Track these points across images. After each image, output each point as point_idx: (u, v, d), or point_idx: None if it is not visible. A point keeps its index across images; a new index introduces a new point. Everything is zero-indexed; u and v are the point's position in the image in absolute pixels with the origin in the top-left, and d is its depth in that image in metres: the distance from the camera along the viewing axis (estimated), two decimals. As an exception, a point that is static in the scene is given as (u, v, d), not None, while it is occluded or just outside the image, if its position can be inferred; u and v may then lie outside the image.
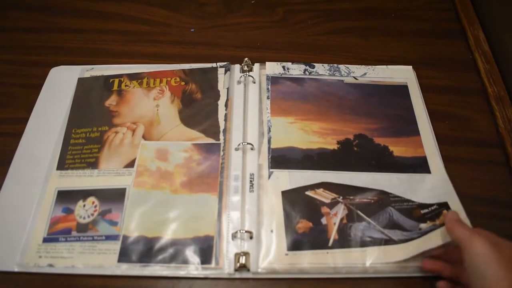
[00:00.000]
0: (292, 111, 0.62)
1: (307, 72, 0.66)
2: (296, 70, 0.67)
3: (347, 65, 0.67)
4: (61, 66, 0.68)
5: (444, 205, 0.52)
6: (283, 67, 0.67)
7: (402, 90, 0.65)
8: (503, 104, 0.63)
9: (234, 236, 0.51)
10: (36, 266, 0.49)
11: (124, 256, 0.50)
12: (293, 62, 0.67)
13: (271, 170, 0.56)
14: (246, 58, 0.67)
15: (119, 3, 0.77)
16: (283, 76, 0.66)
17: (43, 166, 0.57)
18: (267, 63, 0.67)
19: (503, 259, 0.39)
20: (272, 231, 0.51)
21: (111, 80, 0.65)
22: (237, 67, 0.67)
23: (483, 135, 0.61)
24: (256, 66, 0.67)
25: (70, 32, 0.73)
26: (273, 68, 0.66)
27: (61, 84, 0.65)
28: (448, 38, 0.73)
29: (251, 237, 0.51)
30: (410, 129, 0.61)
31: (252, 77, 0.65)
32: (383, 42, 0.72)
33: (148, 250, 0.50)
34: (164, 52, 0.70)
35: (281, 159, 0.57)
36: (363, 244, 0.50)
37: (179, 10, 0.77)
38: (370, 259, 0.49)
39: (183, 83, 0.65)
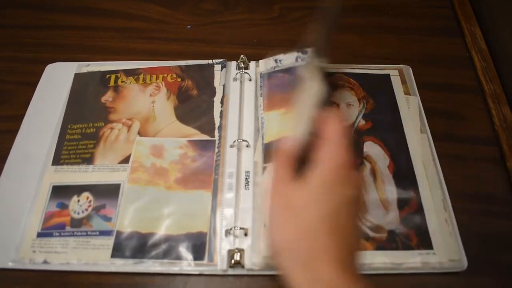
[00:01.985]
0: (284, 102, 0.61)
1: (299, 59, 0.65)
2: (287, 60, 0.65)
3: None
4: (57, 63, 0.67)
5: None
6: (275, 60, 0.65)
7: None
8: (499, 102, 0.63)
9: (227, 232, 0.51)
10: (32, 262, 0.49)
11: (117, 251, 0.50)
12: (285, 52, 0.66)
13: (264, 165, 0.56)
14: (242, 55, 0.66)
15: (116, -1, 0.78)
16: (275, 69, 0.65)
17: (38, 162, 0.57)
18: (260, 61, 0.66)
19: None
20: (265, 225, 0.51)
21: (107, 76, 0.65)
22: (233, 64, 0.67)
23: (479, 132, 0.61)
24: (252, 63, 0.66)
25: (66, 29, 0.73)
26: (265, 64, 0.65)
27: (57, 81, 0.65)
28: (445, 36, 0.72)
29: (245, 234, 0.51)
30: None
31: (248, 74, 0.65)
32: (380, 40, 0.72)
33: (141, 245, 0.50)
34: (160, 48, 0.70)
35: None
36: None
37: (176, 7, 0.76)
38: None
39: (179, 79, 0.65)
